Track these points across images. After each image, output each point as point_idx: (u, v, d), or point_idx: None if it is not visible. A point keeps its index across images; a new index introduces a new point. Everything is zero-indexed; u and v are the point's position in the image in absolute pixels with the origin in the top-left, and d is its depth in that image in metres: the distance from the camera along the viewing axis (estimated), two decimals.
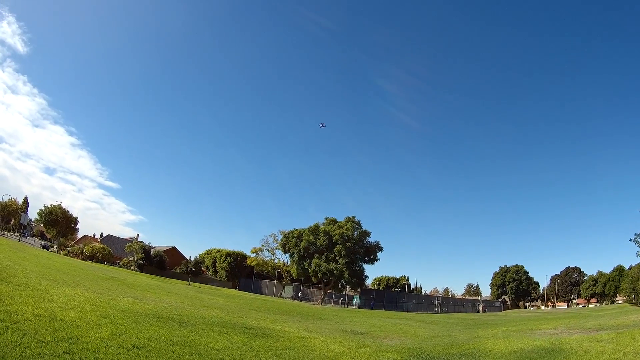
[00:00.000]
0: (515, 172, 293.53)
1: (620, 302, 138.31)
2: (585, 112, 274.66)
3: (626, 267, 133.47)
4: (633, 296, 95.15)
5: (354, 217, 79.95)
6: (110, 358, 9.64)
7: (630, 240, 41.88)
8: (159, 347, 11.73)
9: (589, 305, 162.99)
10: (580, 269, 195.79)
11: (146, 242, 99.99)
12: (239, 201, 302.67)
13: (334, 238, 74.39)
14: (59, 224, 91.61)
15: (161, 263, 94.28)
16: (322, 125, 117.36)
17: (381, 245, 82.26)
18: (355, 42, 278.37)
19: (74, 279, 27.73)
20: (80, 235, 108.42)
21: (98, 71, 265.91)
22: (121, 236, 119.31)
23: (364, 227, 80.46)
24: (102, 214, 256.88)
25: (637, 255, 42.76)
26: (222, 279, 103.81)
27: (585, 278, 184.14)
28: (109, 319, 14.39)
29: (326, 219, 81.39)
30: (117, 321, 14.23)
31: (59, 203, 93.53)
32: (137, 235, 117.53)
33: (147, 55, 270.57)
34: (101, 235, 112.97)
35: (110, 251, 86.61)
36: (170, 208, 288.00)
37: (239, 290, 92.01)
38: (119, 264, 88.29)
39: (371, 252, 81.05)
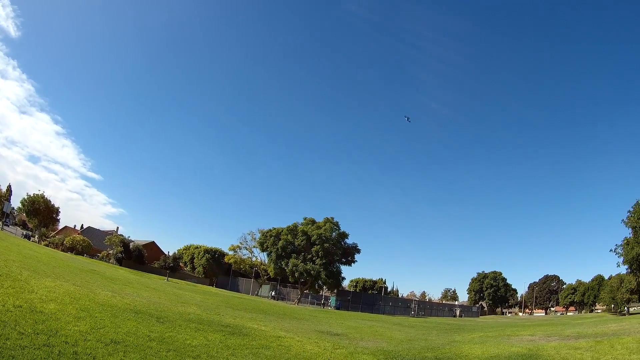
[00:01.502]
0: (497, 178, 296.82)
1: (599, 311, 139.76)
2: (568, 120, 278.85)
3: (606, 277, 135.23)
4: (612, 305, 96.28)
5: (332, 218, 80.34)
6: (88, 352, 9.69)
7: (610, 250, 42.86)
8: (137, 342, 11.81)
9: (568, 313, 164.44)
10: (559, 277, 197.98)
11: (126, 235, 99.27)
12: (219, 198, 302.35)
13: (312, 238, 74.68)
14: (40, 214, 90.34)
15: (140, 257, 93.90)
16: (408, 119, 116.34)
17: (359, 247, 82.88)
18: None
19: (54, 270, 27.60)
20: (61, 226, 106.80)
21: (87, 60, 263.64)
22: (101, 228, 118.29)
23: (342, 229, 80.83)
24: (83, 205, 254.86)
25: (618, 265, 43.63)
26: (200, 276, 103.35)
27: (564, 286, 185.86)
28: (87, 312, 14.42)
29: (305, 218, 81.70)
30: (95, 315, 14.28)
31: (41, 192, 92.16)
32: (117, 228, 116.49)
33: (137, 48, 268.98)
34: (82, 226, 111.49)
35: (90, 243, 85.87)
36: (150, 202, 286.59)
37: (216, 287, 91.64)
38: (98, 256, 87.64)
39: (349, 254, 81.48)
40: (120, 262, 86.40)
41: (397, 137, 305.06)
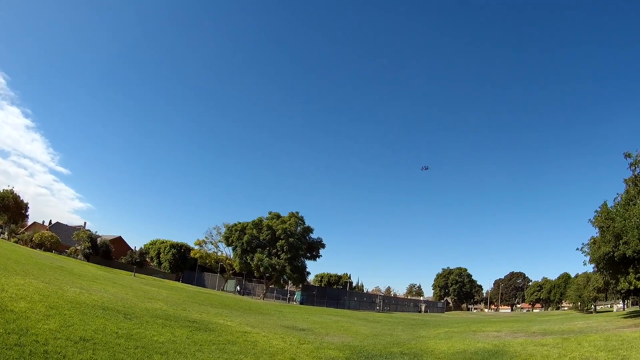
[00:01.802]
0: (463, 175, 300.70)
1: (565, 308, 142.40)
2: (536, 119, 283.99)
3: (572, 275, 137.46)
4: (579, 303, 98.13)
5: (297, 213, 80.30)
6: (58, 350, 9.81)
7: (577, 249, 43.56)
8: (105, 340, 11.95)
9: (534, 310, 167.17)
10: (524, 275, 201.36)
11: (93, 230, 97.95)
12: (185, 192, 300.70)
13: (277, 233, 74.56)
14: (10, 210, 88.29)
15: (107, 253, 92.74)
16: (426, 168, 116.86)
17: (324, 242, 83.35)
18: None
19: (24, 267, 27.48)
20: (30, 222, 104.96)
21: (58, 53, 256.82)
22: (69, 224, 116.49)
23: (307, 223, 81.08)
24: (52, 201, 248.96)
25: (584, 264, 44.42)
26: (166, 271, 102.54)
27: (530, 283, 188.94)
28: (57, 310, 14.48)
29: (270, 213, 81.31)
30: (64, 312, 14.35)
31: (10, 188, 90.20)
32: (85, 223, 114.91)
33: (107, 40, 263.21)
34: (50, 222, 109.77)
35: (58, 239, 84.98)
36: (118, 196, 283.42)
37: (182, 282, 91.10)
38: (66, 252, 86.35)
39: (313, 249, 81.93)
40: (87, 258, 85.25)
41: (362, 131, 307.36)
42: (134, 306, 20.92)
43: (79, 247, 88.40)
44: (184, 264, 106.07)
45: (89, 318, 14.53)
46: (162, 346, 13.02)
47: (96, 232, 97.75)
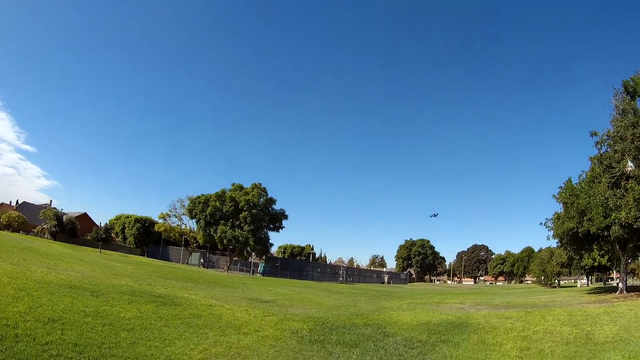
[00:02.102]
0: (426, 146, 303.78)
1: (529, 282, 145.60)
2: (502, 95, 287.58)
3: (535, 249, 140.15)
4: (543, 278, 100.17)
5: (260, 184, 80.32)
6: (28, 333, 10.05)
7: (540, 224, 44.66)
8: (73, 319, 12.21)
9: (497, 283, 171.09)
10: (487, 247, 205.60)
11: (59, 208, 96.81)
12: (149, 165, 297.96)
13: (240, 205, 74.47)
14: None
15: (73, 230, 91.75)
16: (435, 215, 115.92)
17: (286, 213, 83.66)
18: None
19: None
20: None
21: (21, 30, 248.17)
22: (36, 202, 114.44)
23: (269, 194, 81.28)
24: (18, 180, 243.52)
25: (548, 239, 45.76)
26: (131, 246, 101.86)
27: (493, 256, 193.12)
28: (25, 291, 14.65)
29: (233, 184, 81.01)
30: (33, 293, 14.52)
31: None
32: (51, 201, 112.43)
33: (72, 16, 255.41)
34: (17, 202, 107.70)
35: (25, 219, 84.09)
36: (82, 171, 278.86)
37: (147, 257, 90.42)
38: (33, 232, 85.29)
39: (276, 220, 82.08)
40: (54, 236, 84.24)
41: (321, 101, 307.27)
42: (100, 283, 21.00)
43: (45, 226, 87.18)
44: (148, 239, 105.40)
45: (57, 298, 14.70)
46: (129, 322, 13.33)
47: (62, 209, 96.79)
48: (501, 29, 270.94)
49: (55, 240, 79.34)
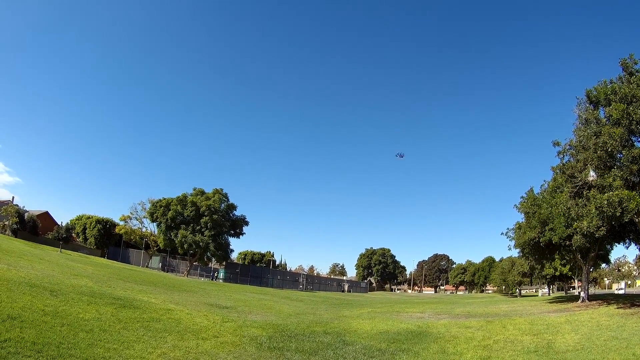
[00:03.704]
0: (386, 156, 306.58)
1: (490, 291, 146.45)
2: (465, 101, 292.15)
3: (496, 259, 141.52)
4: (504, 287, 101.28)
5: (221, 189, 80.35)
6: None
7: (502, 234, 45.34)
8: (32, 318, 12.18)
9: (458, 293, 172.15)
10: (448, 257, 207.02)
11: (21, 205, 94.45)
12: (111, 167, 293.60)
13: (201, 209, 74.38)
14: None
15: (34, 228, 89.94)
16: (401, 156, 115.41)
17: (247, 219, 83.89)
18: None
19: None
20: None
21: None
22: None
23: (231, 200, 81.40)
24: None
25: (509, 248, 46.32)
26: (92, 247, 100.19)
27: (454, 266, 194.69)
28: None
29: (194, 189, 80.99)
30: None
31: None
32: (13, 198, 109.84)
33: (38, 8, 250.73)
34: None
35: None
36: (45, 169, 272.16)
37: (107, 258, 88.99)
38: None
39: (237, 226, 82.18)
40: (15, 233, 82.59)
41: (284, 107, 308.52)
42: (60, 283, 20.79)
43: (6, 223, 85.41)
44: (109, 240, 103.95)
45: (16, 295, 14.63)
46: (88, 324, 13.32)
47: (24, 207, 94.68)
48: (462, 35, 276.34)
49: (16, 237, 77.69)
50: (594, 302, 36.19)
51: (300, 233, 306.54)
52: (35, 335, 10.72)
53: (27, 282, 18.01)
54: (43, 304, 14.42)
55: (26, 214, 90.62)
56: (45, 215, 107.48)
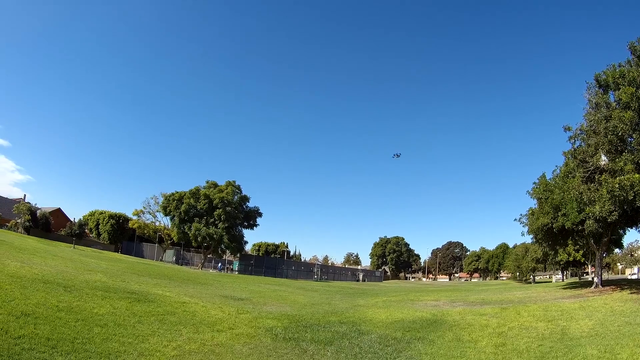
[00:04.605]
0: (400, 144, 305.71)
1: (504, 278, 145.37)
2: (476, 89, 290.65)
3: (510, 246, 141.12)
4: (517, 273, 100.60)
5: (234, 182, 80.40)
6: (0, 326, 10.04)
7: (515, 220, 44.98)
8: (46, 314, 12.14)
9: (472, 280, 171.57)
10: (462, 244, 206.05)
11: (33, 203, 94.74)
12: (123, 161, 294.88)
13: (214, 202, 74.45)
14: None
15: (47, 225, 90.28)
16: (398, 156, 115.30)
17: (261, 210, 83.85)
18: None
19: None
20: None
21: None
22: (9, 197, 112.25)
23: (244, 192, 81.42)
24: None
25: (522, 235, 46.26)
26: (105, 242, 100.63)
27: (468, 253, 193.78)
28: None
29: (207, 182, 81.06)
30: (5, 287, 14.37)
31: None
32: (25, 195, 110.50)
33: (46, 11, 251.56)
34: None
35: None
36: (57, 166, 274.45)
37: (121, 253, 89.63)
38: (7, 226, 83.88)
39: (251, 218, 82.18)
40: (28, 231, 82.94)
41: (296, 99, 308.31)
42: (73, 278, 20.75)
43: (19, 221, 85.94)
44: (122, 235, 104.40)
45: (30, 292, 14.58)
46: (102, 318, 13.26)
47: (36, 204, 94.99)
48: (473, 24, 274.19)
49: (28, 234, 78.18)
50: (608, 287, 35.81)
51: (315, 224, 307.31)
52: (49, 331, 10.67)
53: (40, 279, 17.97)
54: (57, 300, 14.36)
55: (38, 211, 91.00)
56: (58, 212, 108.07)
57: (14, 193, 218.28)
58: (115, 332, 12.17)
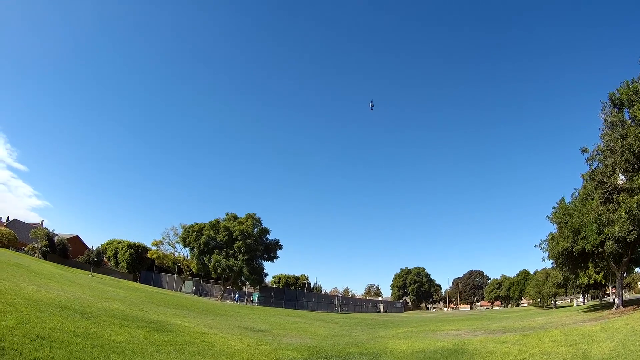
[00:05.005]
0: (420, 175, 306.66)
1: (525, 305, 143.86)
2: (491, 118, 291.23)
3: (531, 272, 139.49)
4: (539, 299, 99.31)
5: (254, 214, 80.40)
6: (15, 347, 9.80)
7: (535, 246, 44.70)
8: (62, 338, 11.91)
9: (493, 308, 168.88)
10: (483, 273, 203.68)
11: (50, 229, 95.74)
12: (142, 192, 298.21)
13: (234, 234, 74.42)
14: None
15: (64, 251, 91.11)
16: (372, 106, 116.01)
17: (281, 243, 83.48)
18: None
19: None
20: None
21: (14, 47, 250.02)
22: (26, 221, 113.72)
23: (264, 224, 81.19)
24: (8, 197, 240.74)
25: (543, 260, 45.93)
26: (124, 271, 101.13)
27: (489, 281, 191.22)
28: (13, 307, 14.35)
29: (227, 214, 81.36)
30: (21, 310, 14.21)
31: None
32: (42, 221, 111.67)
33: (63, 39, 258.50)
34: (7, 219, 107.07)
35: (15, 236, 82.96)
36: (75, 194, 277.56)
37: (139, 282, 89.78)
38: (23, 249, 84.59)
39: (271, 250, 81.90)
40: (45, 256, 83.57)
41: (317, 130, 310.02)
42: (91, 305, 20.65)
43: (36, 245, 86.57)
44: (141, 264, 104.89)
45: (46, 316, 14.39)
46: (120, 346, 12.98)
47: (53, 230, 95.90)
48: (487, 42, 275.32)
49: (45, 259, 78.75)
50: (628, 307, 35.67)
51: (335, 256, 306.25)
52: (65, 356, 10.42)
53: (57, 304, 17.85)
54: (74, 325, 14.16)
55: (56, 237, 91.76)
56: (76, 239, 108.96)
57: (31, 218, 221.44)
58: (133, 359, 11.82)
